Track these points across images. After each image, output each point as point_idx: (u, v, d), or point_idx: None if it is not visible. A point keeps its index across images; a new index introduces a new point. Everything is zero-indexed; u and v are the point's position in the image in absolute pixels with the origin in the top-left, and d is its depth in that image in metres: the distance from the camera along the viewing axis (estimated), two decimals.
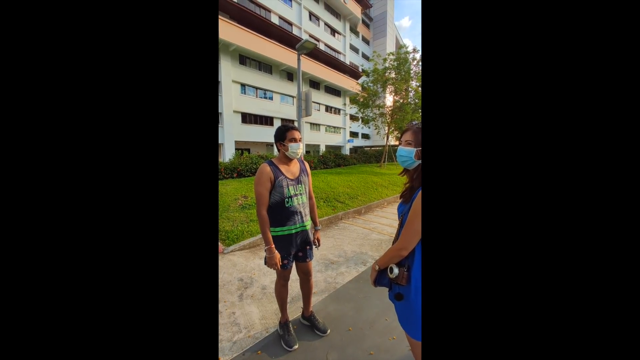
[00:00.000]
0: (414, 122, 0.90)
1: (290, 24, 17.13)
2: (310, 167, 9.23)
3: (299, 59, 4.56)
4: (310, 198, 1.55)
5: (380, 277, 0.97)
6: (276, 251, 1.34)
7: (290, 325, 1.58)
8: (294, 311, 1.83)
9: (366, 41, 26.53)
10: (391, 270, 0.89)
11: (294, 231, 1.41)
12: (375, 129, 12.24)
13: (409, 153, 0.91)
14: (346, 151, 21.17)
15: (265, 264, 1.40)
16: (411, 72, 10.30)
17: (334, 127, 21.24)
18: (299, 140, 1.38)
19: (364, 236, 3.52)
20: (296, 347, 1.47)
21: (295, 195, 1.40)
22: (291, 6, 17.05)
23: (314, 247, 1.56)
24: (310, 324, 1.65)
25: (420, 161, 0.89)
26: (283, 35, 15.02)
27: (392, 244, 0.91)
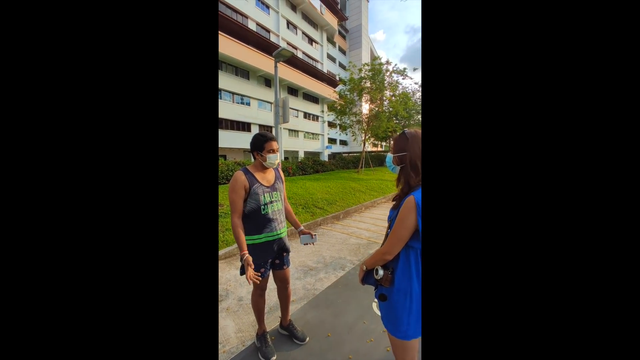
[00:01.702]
0: (405, 130, 0.93)
1: (268, 31, 17.19)
2: (289, 173, 9.20)
3: (275, 67, 4.58)
4: (284, 205, 1.55)
5: (367, 276, 1.01)
6: (248, 255, 1.30)
7: (268, 336, 1.54)
8: (272, 321, 1.79)
9: (343, 51, 27.44)
10: (377, 272, 0.93)
11: (271, 238, 1.40)
12: (353, 135, 12.58)
13: (389, 159, 0.97)
14: (325, 157, 21.43)
15: (241, 274, 1.36)
16: (385, 82, 10.82)
17: (313, 134, 21.44)
18: (277, 151, 1.38)
19: (342, 241, 3.56)
20: (274, 358, 1.44)
21: (271, 202, 1.39)
22: (269, 14, 17.15)
23: (313, 239, 1.49)
24: (288, 333, 1.62)
25: (399, 167, 0.93)
26: (260, 42, 15.00)
27: (381, 247, 0.94)
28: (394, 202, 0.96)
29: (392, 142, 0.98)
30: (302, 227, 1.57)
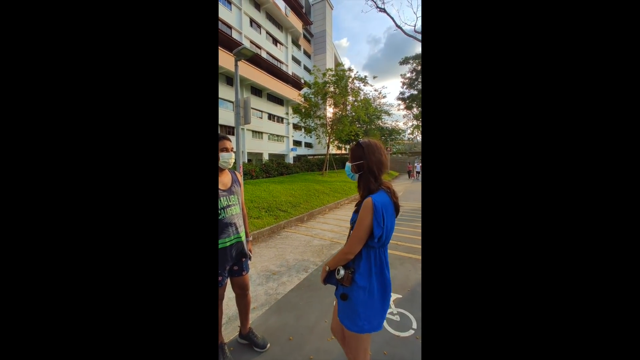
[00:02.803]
0: (360, 140, 0.99)
1: (230, 27, 16.45)
2: (252, 176, 8.88)
3: (236, 65, 4.41)
4: (241, 209, 1.51)
5: (329, 277, 1.05)
6: None
7: (226, 348, 1.46)
8: (231, 332, 1.70)
9: (308, 55, 27.70)
10: (338, 272, 0.98)
11: (228, 244, 1.34)
12: (317, 138, 12.76)
13: (348, 168, 1.03)
14: (290, 160, 21.25)
15: None
16: (348, 88, 11.28)
17: (277, 136, 21.11)
18: (231, 150, 1.34)
19: (306, 243, 3.58)
20: None
21: (229, 206, 1.34)
22: (230, 9, 16.43)
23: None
24: (248, 341, 1.56)
25: (357, 174, 0.99)
26: (222, 38, 14.25)
27: (343, 247, 0.99)
28: (355, 207, 1.02)
29: (350, 152, 1.04)
30: (250, 238, 1.59)
